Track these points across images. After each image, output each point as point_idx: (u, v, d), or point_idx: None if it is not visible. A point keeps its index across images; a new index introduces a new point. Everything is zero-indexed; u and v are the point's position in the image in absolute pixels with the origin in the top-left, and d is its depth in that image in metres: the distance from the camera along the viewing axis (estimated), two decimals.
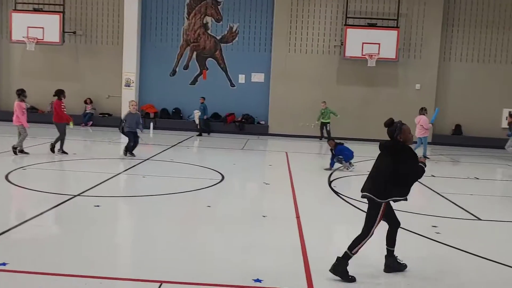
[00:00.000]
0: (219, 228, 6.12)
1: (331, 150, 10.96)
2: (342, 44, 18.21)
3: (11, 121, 10.93)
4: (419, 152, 11.77)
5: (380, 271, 4.77)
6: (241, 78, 19.24)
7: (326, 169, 10.80)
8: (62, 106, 11.21)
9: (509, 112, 17.81)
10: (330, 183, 9.49)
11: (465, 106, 18.56)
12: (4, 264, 4.39)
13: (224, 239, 5.65)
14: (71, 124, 11.34)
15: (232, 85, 19.27)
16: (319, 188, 9.06)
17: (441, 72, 18.54)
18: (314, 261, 4.91)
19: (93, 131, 17.33)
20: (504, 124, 18.59)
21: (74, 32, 19.21)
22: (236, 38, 19.17)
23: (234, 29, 19.16)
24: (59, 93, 11.32)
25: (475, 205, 8.13)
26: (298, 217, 6.69)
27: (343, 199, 8.10)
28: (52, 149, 11.06)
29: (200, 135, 17.42)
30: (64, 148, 11.12)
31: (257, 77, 19.18)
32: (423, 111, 13.82)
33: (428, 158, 12.94)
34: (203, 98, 17.58)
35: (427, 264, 5.17)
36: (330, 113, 17.28)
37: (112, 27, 19.31)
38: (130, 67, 18.81)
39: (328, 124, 17.35)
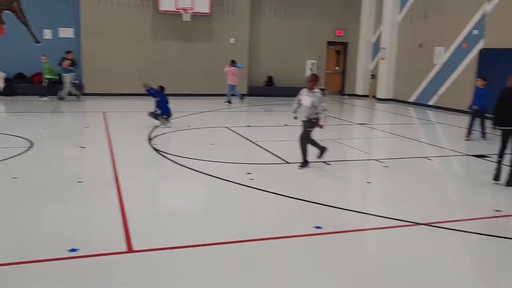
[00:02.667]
0: (28, 200, 5.63)
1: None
2: None
3: None
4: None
5: None
6: (47, 34, 17.46)
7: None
8: None
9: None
10: (149, 140, 9.40)
11: (275, 59, 19.91)
12: None
13: (34, 212, 5.23)
14: None
15: (37, 41, 17.39)
16: (139, 147, 8.90)
17: (253, 26, 19.44)
18: (134, 223, 4.87)
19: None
20: (309, 74, 20.52)
21: None
22: None
23: None
24: None
25: (284, 149, 8.90)
26: (116, 179, 6.51)
27: (164, 156, 8.12)
28: None
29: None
30: None
31: (66, 32, 17.62)
32: (232, 63, 16.30)
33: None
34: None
35: (242, 209, 5.55)
36: (49, 69, 15.88)
37: None
38: None
39: (52, 80, 15.95)
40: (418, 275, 3.97)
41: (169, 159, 7.88)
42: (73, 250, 4.15)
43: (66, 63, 15.65)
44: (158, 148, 8.67)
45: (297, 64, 20.33)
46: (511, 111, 6.66)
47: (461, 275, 4.06)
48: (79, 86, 16.87)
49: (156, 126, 10.79)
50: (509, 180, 6.76)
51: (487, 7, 14.72)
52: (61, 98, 15.70)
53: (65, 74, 15.74)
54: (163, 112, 10.92)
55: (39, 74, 17.18)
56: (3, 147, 8.41)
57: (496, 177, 6.87)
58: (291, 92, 19.53)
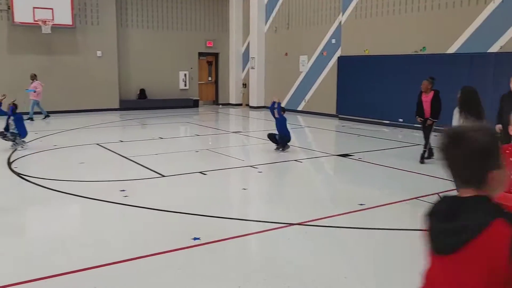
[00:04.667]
0: None
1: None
2: (9, 9, 16.31)
3: None
4: None
5: None
6: None
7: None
8: None
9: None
10: (9, 164, 8.58)
11: (147, 71, 19.50)
12: None
13: None
14: None
15: None
16: None
17: (120, 38, 18.83)
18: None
19: None
20: (182, 85, 20.52)
21: None
22: None
23: None
24: None
25: (159, 163, 8.73)
26: None
27: (27, 180, 7.46)
28: None
29: None
30: None
31: None
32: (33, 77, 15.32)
33: None
34: None
35: (121, 228, 5.31)
36: None
37: None
38: None
39: None
40: (297, 274, 4.13)
41: (33, 182, 7.26)
42: None
43: None
44: (20, 172, 7.95)
45: (169, 76, 20.16)
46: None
47: (333, 268, 4.32)
48: None
49: (15, 149, 9.88)
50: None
51: (342, 18, 16.02)
52: None
53: None
54: (21, 132, 10.00)
55: None
56: None
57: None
58: (165, 104, 19.51)
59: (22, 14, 16.27)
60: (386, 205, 6.16)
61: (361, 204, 6.13)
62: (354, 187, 7.25)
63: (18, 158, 9.10)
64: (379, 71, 14.31)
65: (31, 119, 14.82)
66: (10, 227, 5.48)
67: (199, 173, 7.86)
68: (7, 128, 9.99)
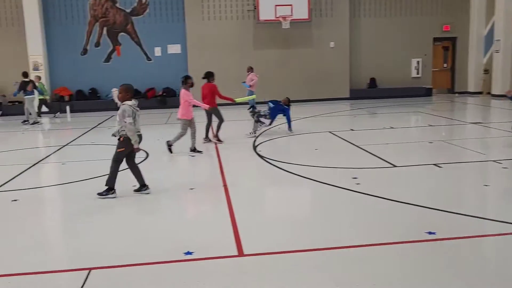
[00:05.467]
0: (145, 206, 6.07)
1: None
2: (255, 8, 18.19)
3: None
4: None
5: None
6: (157, 51, 18.75)
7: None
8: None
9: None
10: (255, 148, 9.64)
11: (378, 59, 19.38)
12: None
13: (151, 216, 5.62)
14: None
15: (149, 59, 18.75)
16: (244, 154, 9.17)
17: (352, 28, 19.13)
18: (243, 229, 5.01)
19: (4, 121, 16.26)
20: (414, 73, 19.73)
21: None
22: (147, 10, 18.55)
23: (143, 1, 18.49)
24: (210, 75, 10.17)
25: (390, 153, 8.62)
26: (225, 185, 6.77)
27: (269, 162, 8.27)
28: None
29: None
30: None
31: (174, 49, 18.78)
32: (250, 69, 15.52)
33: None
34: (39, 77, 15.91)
35: (348, 214, 5.47)
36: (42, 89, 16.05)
37: (10, 7, 17.93)
38: (35, 49, 17.68)
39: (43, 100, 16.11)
40: None
41: (274, 165, 8.01)
42: (189, 253, 4.39)
43: (30, 87, 15.03)
44: (263, 155, 8.86)
45: (401, 64, 19.61)
46: None
47: None
48: None
49: (260, 134, 11.02)
50: None
51: None
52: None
53: (28, 97, 14.97)
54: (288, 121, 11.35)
55: (152, 89, 18.50)
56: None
57: None
58: (396, 93, 19.05)
59: (265, 13, 17.98)
60: None
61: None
62: None
63: (261, 143, 10.16)
64: None
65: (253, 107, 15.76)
66: (251, 202, 6.17)
67: (433, 165, 7.48)
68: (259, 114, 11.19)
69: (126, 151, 6.35)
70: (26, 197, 6.63)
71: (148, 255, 4.42)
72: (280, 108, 11.28)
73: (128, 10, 18.47)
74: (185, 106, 9.02)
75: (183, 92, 9.07)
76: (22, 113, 15.92)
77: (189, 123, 9.11)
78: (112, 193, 6.32)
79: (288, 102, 11.46)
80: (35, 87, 15.28)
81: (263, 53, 18.57)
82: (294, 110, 11.95)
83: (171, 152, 9.28)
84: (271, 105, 11.24)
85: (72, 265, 4.33)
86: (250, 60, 18.24)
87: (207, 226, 5.20)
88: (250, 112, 11.39)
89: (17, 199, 6.48)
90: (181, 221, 5.42)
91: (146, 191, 6.45)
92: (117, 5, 18.41)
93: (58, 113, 16.99)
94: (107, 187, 6.32)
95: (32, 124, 14.86)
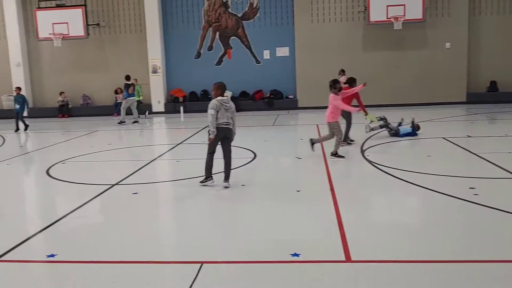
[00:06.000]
0: (254, 205, 6.22)
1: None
2: (365, 9, 17.80)
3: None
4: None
5: None
6: (266, 54, 19.14)
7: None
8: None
9: None
10: (362, 152, 9.42)
11: (499, 61, 17.93)
12: (53, 255, 4.61)
13: (260, 216, 5.74)
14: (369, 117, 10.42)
15: (258, 61, 19.21)
16: (352, 158, 9.01)
17: (471, 27, 17.90)
18: (351, 234, 4.92)
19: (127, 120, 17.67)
20: None
21: (98, 24, 19.50)
22: (258, 14, 19.02)
23: (254, 5, 18.99)
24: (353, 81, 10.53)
25: None
26: (332, 189, 6.70)
27: (376, 167, 8.04)
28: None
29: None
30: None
31: (282, 51, 19.04)
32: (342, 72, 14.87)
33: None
34: (19, 88, 15.78)
35: (467, 227, 5.12)
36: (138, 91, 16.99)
37: (134, 15, 19.48)
38: (155, 53, 19.00)
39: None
40: None
41: (383, 171, 7.77)
42: (296, 255, 4.41)
43: (131, 89, 16.07)
44: (371, 160, 8.63)
45: None
46: None
47: None
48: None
49: (368, 138, 10.76)
50: None
51: None
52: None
53: (129, 98, 16.14)
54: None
55: (260, 91, 18.92)
56: (234, 158, 9.45)
57: None
58: None
59: (376, 13, 17.50)
60: None
61: None
62: None
63: (369, 147, 9.90)
64: None
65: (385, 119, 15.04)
66: (358, 207, 6.02)
67: None
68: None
69: (216, 143, 7.06)
70: (145, 190, 7.14)
71: (255, 254, 4.52)
72: (412, 134, 10.97)
73: (239, 15, 19.09)
74: (334, 109, 9.03)
75: (332, 96, 9.10)
76: (141, 112, 17.21)
77: (338, 125, 9.05)
78: (209, 180, 7.12)
79: (418, 128, 11.25)
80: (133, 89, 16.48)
81: (373, 55, 18.10)
82: (405, 114, 11.52)
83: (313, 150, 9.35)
84: (407, 130, 11.01)
85: (184, 257, 4.56)
86: (359, 63, 17.90)
87: (314, 229, 5.19)
88: (383, 122, 11.12)
89: (137, 192, 7.00)
90: (288, 222, 5.47)
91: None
92: (230, 10, 19.11)
93: (147, 113, 18.20)
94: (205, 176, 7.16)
95: (133, 123, 16.10)
